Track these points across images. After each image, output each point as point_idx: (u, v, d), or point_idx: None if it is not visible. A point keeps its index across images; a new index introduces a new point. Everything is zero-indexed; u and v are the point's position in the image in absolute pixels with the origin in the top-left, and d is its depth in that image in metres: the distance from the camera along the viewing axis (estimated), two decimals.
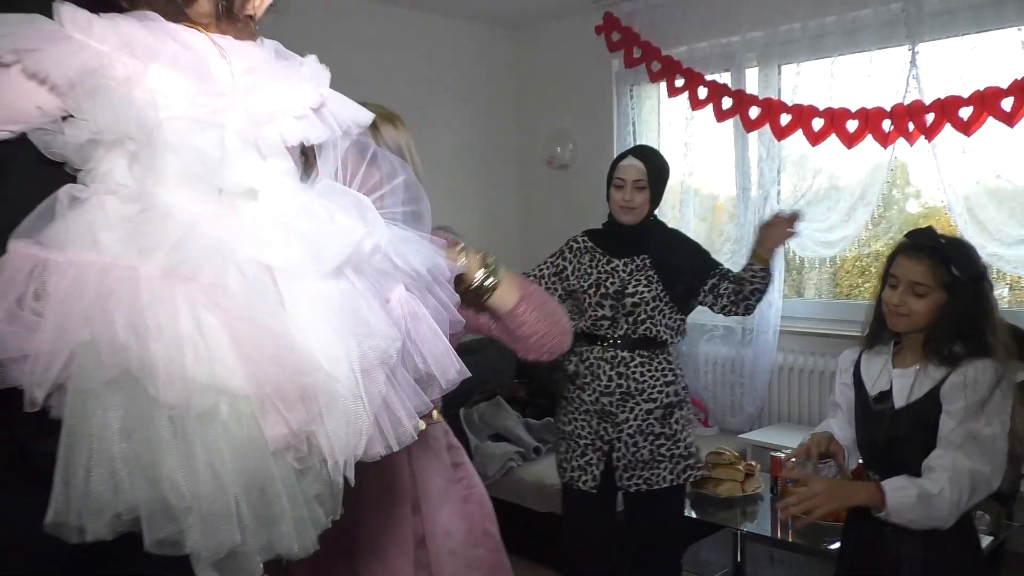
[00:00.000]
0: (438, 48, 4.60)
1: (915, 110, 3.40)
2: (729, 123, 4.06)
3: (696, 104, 4.12)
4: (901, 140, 3.46)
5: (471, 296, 1.25)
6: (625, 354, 2.55)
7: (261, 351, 0.73)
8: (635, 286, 2.54)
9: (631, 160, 2.62)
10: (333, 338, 0.77)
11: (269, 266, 0.77)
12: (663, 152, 4.51)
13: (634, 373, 2.55)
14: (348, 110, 0.93)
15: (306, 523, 0.77)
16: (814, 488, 1.67)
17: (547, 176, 4.89)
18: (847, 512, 1.85)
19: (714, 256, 4.43)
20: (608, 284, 2.56)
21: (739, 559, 3.21)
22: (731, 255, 4.22)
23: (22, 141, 0.76)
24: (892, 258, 1.78)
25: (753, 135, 3.99)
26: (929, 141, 3.37)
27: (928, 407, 1.69)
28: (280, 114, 0.85)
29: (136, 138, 0.76)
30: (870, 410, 1.81)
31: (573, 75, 4.73)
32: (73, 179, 0.76)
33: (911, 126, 3.41)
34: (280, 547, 0.76)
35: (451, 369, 0.92)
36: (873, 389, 1.81)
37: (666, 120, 4.51)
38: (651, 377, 2.56)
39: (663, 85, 4.31)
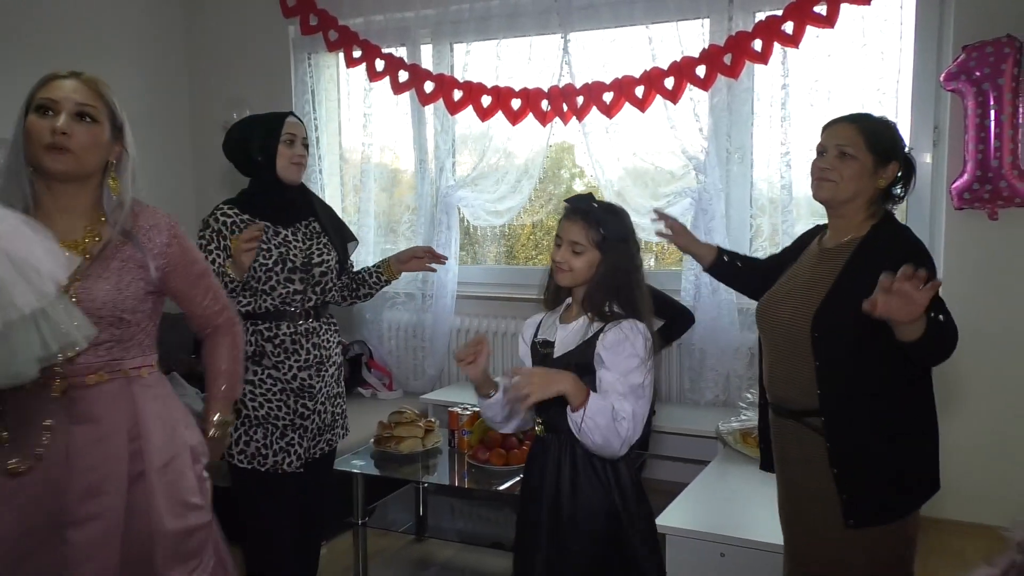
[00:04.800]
0: (99, 7, 4.22)
1: (568, 92, 3.79)
2: (406, 96, 4.20)
3: (374, 76, 4.21)
4: (558, 119, 3.84)
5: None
6: (316, 324, 2.48)
7: None
8: (320, 255, 2.47)
9: (295, 118, 2.51)
10: None
11: None
12: (344, 121, 4.58)
13: (324, 341, 2.50)
14: None
15: None
16: (530, 371, 1.82)
17: None
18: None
19: (393, 226, 4.56)
20: (292, 258, 2.42)
21: (421, 512, 3.42)
22: (409, 224, 4.40)
23: None
24: (561, 222, 1.99)
25: (429, 109, 4.17)
26: (580, 121, 3.78)
27: (580, 356, 1.92)
28: None
29: None
30: (539, 358, 2.01)
31: (248, 40, 4.57)
32: None
33: (565, 107, 3.80)
34: None
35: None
36: (539, 338, 2.01)
37: (345, 91, 4.54)
38: (333, 340, 2.56)
39: (342, 55, 4.33)
